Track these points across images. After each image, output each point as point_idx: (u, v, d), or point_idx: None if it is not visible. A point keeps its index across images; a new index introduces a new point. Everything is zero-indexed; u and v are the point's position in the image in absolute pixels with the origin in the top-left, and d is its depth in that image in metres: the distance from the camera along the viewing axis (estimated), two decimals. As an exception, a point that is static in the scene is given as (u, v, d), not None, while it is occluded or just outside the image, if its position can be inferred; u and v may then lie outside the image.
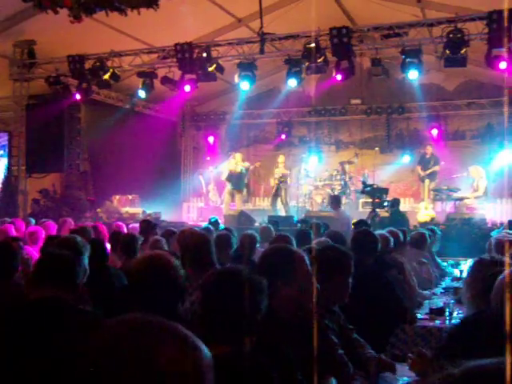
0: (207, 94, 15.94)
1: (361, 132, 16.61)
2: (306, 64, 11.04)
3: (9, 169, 13.50)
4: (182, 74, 11.76)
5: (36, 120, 12.99)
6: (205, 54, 11.29)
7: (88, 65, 11.98)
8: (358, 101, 15.81)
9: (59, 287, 2.44)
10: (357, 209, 14.11)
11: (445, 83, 15.33)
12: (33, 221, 8.90)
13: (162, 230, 7.49)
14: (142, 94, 12.51)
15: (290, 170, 15.13)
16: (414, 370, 3.01)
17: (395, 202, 11.72)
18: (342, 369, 2.86)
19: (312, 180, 14.98)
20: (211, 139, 17.72)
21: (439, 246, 7.51)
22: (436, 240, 7.33)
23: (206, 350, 1.05)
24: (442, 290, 5.95)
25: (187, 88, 12.01)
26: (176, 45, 11.17)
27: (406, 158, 15.49)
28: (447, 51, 10.10)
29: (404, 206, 13.57)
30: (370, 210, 12.16)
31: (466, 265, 7.00)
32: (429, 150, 14.46)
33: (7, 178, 13.36)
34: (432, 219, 12.41)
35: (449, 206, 13.62)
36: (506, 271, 2.56)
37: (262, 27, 10.88)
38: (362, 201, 14.16)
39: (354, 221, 8.43)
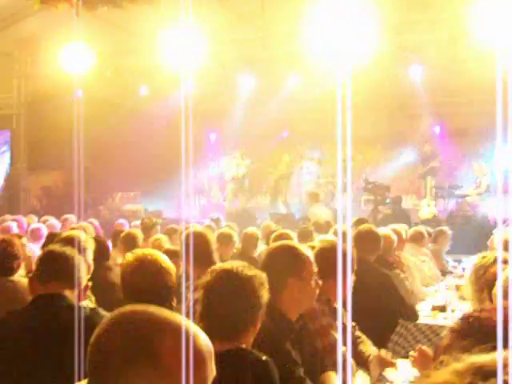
0: (209, 92, 15.92)
1: (363, 129, 16.56)
2: (307, 61, 11.02)
3: (11, 166, 13.51)
4: (183, 72, 11.74)
5: (38, 118, 13.00)
6: (207, 52, 11.27)
7: (90, 62, 11.95)
8: (359, 97, 15.77)
9: (62, 284, 2.44)
10: (359, 206, 14.10)
11: (447, 80, 15.27)
12: (35, 218, 8.91)
13: (164, 227, 7.50)
14: (144, 91, 12.51)
15: (293, 167, 15.13)
16: (415, 366, 3.01)
17: (397, 200, 11.72)
18: (345, 366, 2.86)
19: (314, 177, 14.97)
20: (213, 136, 17.71)
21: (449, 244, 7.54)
22: (447, 240, 7.35)
23: (207, 340, 1.06)
24: (444, 287, 5.94)
25: (188, 86, 11.97)
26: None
27: (408, 156, 15.47)
28: (449, 48, 10.08)
29: (406, 204, 13.56)
30: (372, 207, 12.16)
31: (469, 262, 6.99)
32: (428, 147, 14.45)
33: (9, 176, 13.36)
34: (434, 216, 12.40)
35: (451, 204, 13.60)
36: (509, 268, 2.56)
37: (264, 24, 10.87)
38: (363, 198, 14.14)
39: (355, 219, 8.41)
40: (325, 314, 2.94)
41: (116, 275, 4.31)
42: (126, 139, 14.46)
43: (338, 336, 2.95)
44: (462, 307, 4.57)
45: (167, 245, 5.30)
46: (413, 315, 4.48)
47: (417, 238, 6.65)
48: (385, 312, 4.09)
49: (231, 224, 8.41)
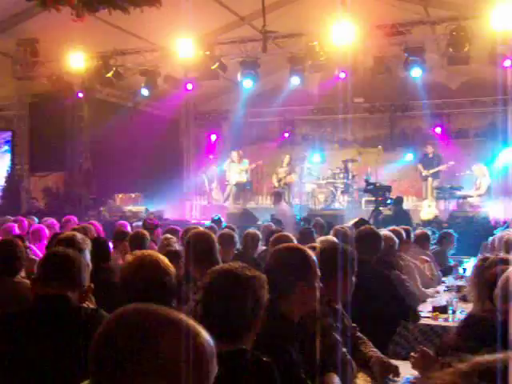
0: (210, 92, 15.94)
1: (364, 130, 16.59)
2: (309, 62, 11.03)
3: (12, 167, 13.52)
4: (184, 73, 11.78)
5: (39, 119, 13.02)
6: (208, 53, 11.29)
7: (91, 63, 12.00)
8: (361, 99, 15.79)
9: (64, 285, 2.45)
10: (360, 207, 14.10)
11: (448, 81, 15.28)
12: (36, 219, 8.92)
13: (165, 228, 7.50)
14: (144, 92, 12.53)
15: (294, 168, 15.14)
16: (416, 368, 3.01)
17: (398, 200, 11.71)
18: (345, 367, 2.86)
19: (315, 178, 14.98)
20: (214, 137, 17.73)
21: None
22: (452, 242, 7.36)
23: (208, 337, 1.07)
24: (445, 288, 5.95)
25: (189, 86, 12.03)
26: (179, 43, 11.18)
27: (408, 156, 15.47)
28: (450, 49, 10.08)
29: (407, 204, 13.56)
30: (372, 208, 12.16)
31: (470, 263, 7.01)
32: (430, 149, 14.44)
33: (10, 177, 13.37)
34: (435, 217, 12.39)
35: (452, 205, 13.60)
36: (510, 269, 2.56)
37: (264, 25, 10.88)
38: (364, 199, 14.14)
39: (354, 220, 8.43)
40: (326, 314, 2.94)
41: (117, 276, 4.32)
42: (127, 140, 14.46)
43: (339, 337, 2.95)
44: (462, 308, 4.57)
45: (176, 245, 5.30)
46: (414, 316, 4.48)
47: (421, 240, 6.66)
48: (386, 313, 4.09)
49: (232, 225, 8.41)
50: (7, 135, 14.41)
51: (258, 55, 11.42)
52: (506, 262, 2.83)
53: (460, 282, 5.95)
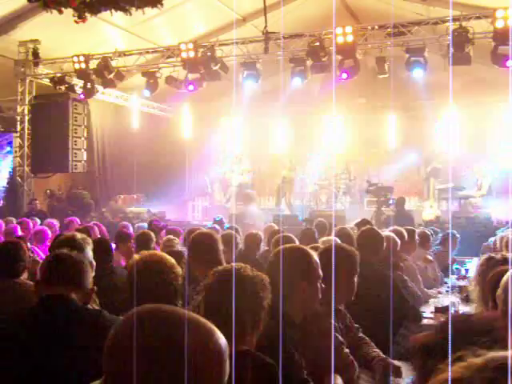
0: (211, 93, 15.94)
1: (366, 131, 16.56)
2: (311, 63, 11.03)
3: (14, 168, 13.53)
4: (186, 74, 11.78)
5: (41, 120, 13.03)
6: (209, 53, 11.30)
7: (92, 64, 12.01)
8: (362, 100, 15.78)
9: (68, 287, 2.45)
10: (362, 208, 14.10)
11: (449, 81, 15.23)
12: (38, 221, 8.93)
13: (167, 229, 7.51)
14: (146, 93, 12.54)
15: (296, 169, 15.14)
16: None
17: (400, 201, 11.71)
18: (348, 368, 2.86)
19: (317, 179, 14.98)
20: (216, 138, 17.72)
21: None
22: (455, 243, 7.36)
23: (223, 337, 1.08)
24: (447, 289, 5.94)
25: (191, 87, 12.02)
26: (180, 44, 11.19)
27: (410, 157, 15.45)
28: (452, 49, 10.07)
29: (409, 205, 13.54)
30: (375, 208, 12.16)
31: (472, 263, 7.00)
32: (432, 148, 14.44)
33: (12, 178, 13.39)
34: (437, 218, 12.39)
35: (454, 205, 13.58)
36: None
37: (266, 26, 10.87)
38: (367, 200, 14.14)
39: (357, 220, 8.42)
40: (327, 315, 2.94)
41: (119, 277, 4.32)
42: (128, 141, 14.48)
43: (341, 338, 2.96)
44: (464, 309, 4.57)
45: (178, 246, 5.33)
46: (416, 317, 4.47)
47: (423, 241, 6.66)
48: (387, 314, 4.09)
49: (234, 226, 8.41)
50: (9, 136, 14.44)
51: (259, 56, 11.42)
52: (508, 261, 2.82)
53: (462, 283, 5.95)
